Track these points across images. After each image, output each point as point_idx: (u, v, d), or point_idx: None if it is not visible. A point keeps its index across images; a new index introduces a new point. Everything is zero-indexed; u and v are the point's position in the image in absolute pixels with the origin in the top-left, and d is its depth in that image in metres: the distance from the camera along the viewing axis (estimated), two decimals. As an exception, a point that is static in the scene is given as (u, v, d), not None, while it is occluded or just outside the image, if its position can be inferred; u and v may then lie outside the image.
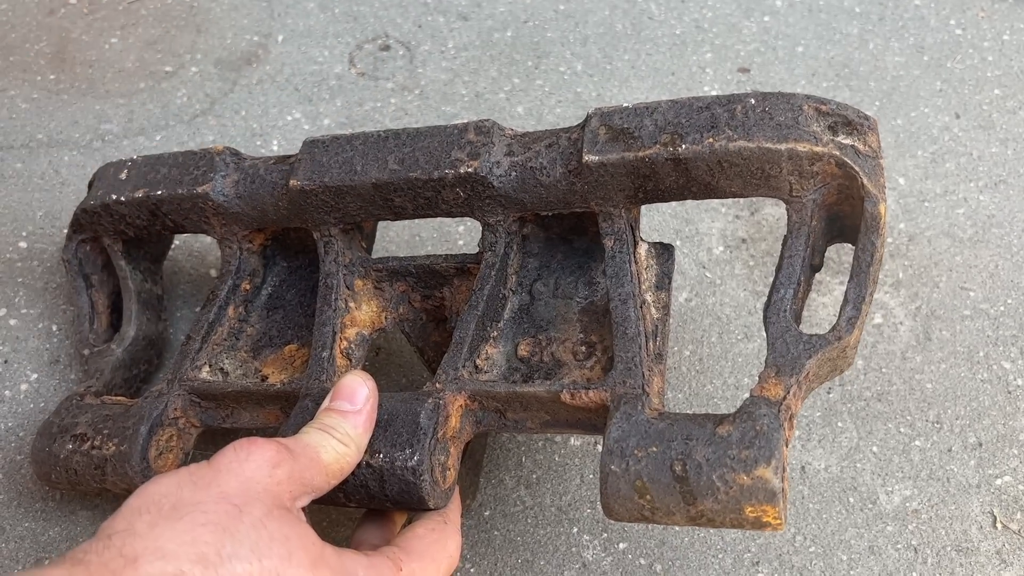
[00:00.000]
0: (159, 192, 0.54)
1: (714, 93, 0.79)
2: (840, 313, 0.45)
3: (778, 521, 0.40)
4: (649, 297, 0.49)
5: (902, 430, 0.61)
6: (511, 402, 0.47)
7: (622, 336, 0.47)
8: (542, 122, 0.77)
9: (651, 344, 0.48)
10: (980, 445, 0.60)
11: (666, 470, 0.41)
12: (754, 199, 0.73)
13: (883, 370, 0.64)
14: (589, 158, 0.47)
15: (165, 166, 0.55)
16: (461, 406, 0.47)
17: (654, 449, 0.42)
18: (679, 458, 0.41)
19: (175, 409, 0.51)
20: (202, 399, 0.51)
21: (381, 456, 0.44)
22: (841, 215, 0.48)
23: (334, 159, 0.51)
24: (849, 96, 0.81)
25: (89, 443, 0.50)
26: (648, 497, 0.41)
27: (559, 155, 0.49)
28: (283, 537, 0.37)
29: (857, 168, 0.44)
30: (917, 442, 0.61)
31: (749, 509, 0.40)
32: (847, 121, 0.46)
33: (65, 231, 0.68)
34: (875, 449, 0.60)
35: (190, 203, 0.53)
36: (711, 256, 0.70)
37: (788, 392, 0.43)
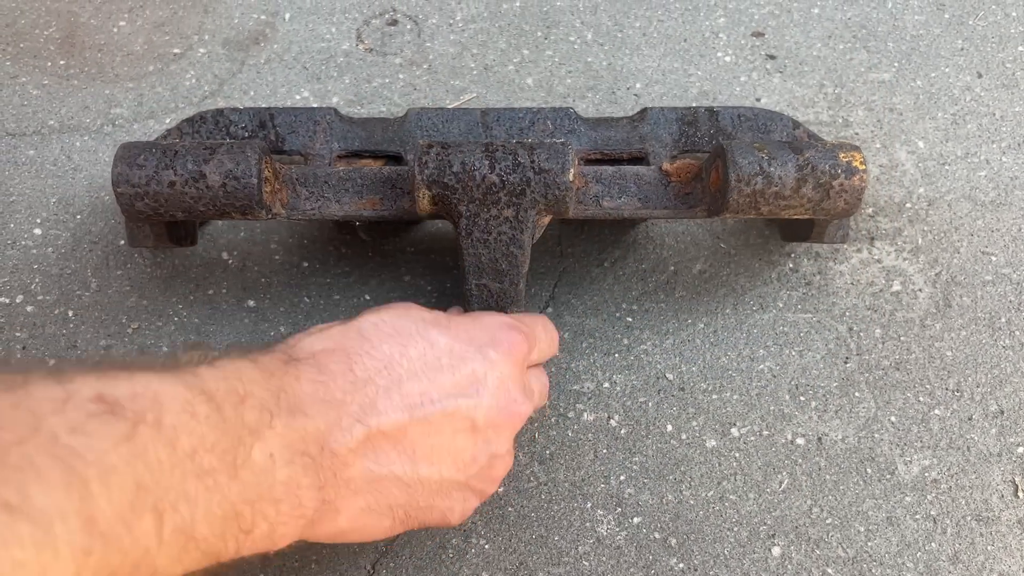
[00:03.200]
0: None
1: (728, 59, 0.78)
2: None
3: (864, 167, 0.53)
4: None
5: (921, 399, 0.60)
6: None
7: None
8: (552, 93, 0.76)
9: None
10: (1002, 413, 0.59)
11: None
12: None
13: (902, 338, 0.63)
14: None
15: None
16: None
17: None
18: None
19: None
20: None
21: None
22: None
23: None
24: (867, 58, 0.79)
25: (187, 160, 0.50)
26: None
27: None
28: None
29: None
30: (936, 411, 0.60)
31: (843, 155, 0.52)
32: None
33: (79, 217, 0.68)
34: (893, 419, 0.59)
35: (306, 114, 0.58)
36: (725, 225, 0.69)
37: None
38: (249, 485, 0.33)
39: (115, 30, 0.82)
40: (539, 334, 0.48)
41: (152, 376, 0.32)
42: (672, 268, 0.67)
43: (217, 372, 0.34)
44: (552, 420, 0.60)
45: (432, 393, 0.39)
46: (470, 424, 0.41)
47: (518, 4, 0.83)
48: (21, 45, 0.81)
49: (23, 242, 0.67)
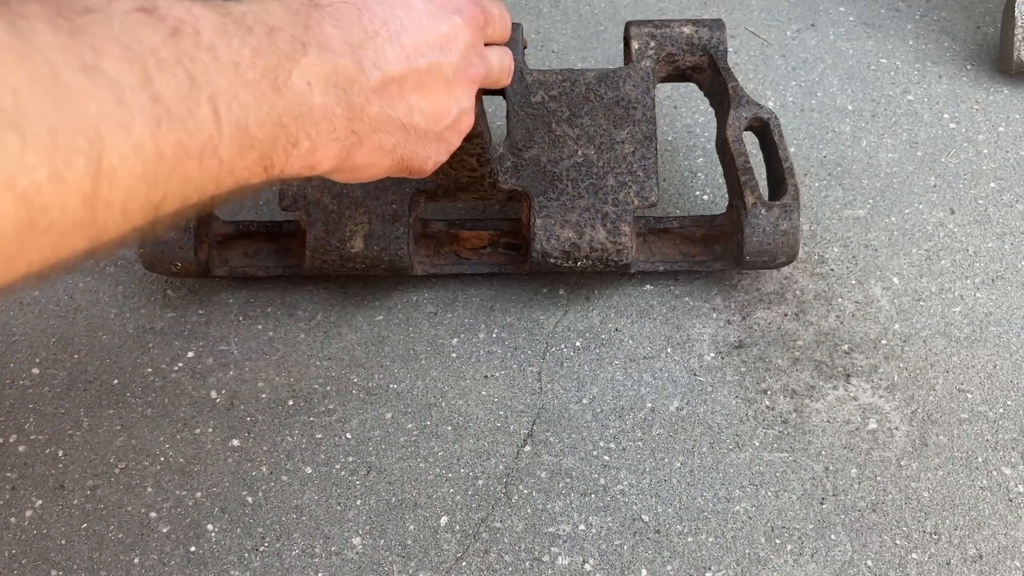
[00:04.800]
0: None
1: (705, 198, 0.81)
2: None
3: None
4: None
5: (898, 542, 0.60)
6: None
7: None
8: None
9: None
10: (980, 557, 0.59)
11: None
12: (745, 303, 0.73)
13: (878, 478, 0.63)
14: None
15: None
16: None
17: None
18: None
19: None
20: None
21: None
22: None
23: None
24: (842, 195, 0.82)
25: None
26: None
27: None
28: None
29: None
30: (914, 555, 0.59)
31: None
32: None
33: (76, 356, 0.71)
34: (870, 563, 0.59)
35: None
36: (702, 363, 0.70)
37: None
38: (291, 103, 0.37)
39: (124, 174, 0.87)
40: (495, 12, 0.52)
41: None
42: (649, 405, 0.68)
43: (245, 7, 0.38)
44: (526, 564, 0.60)
45: (421, 47, 0.45)
46: (445, 79, 0.46)
47: None
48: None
49: (21, 381, 0.70)
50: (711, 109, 0.77)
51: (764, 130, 0.72)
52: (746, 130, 0.71)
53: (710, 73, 0.76)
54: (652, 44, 0.73)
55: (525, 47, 0.72)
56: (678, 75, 0.76)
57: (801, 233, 0.69)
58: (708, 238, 0.73)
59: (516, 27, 0.69)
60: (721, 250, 0.72)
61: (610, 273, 0.72)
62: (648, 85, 0.73)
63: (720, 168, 0.77)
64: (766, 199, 0.68)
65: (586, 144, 0.71)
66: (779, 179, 0.70)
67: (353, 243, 0.67)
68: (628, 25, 0.74)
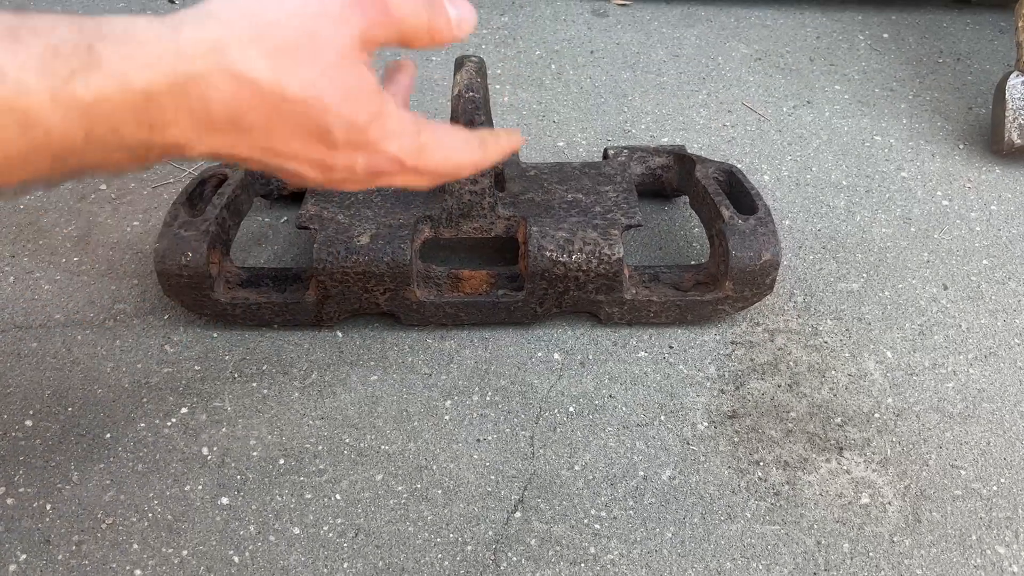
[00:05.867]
0: None
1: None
2: None
3: None
4: None
5: (891, 621, 0.59)
6: None
7: None
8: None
9: None
10: (974, 638, 0.58)
11: None
12: (739, 374, 0.74)
13: (870, 554, 0.62)
14: None
15: None
16: None
17: None
18: None
19: None
20: None
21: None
22: None
23: None
24: (836, 268, 0.83)
25: None
26: None
27: None
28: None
29: None
30: (907, 634, 0.58)
31: None
32: None
33: (70, 409, 0.71)
34: (862, 642, 0.58)
35: None
36: (695, 432, 0.70)
37: None
38: None
39: (128, 229, 0.88)
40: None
41: None
42: (642, 473, 0.67)
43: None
44: None
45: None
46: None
47: None
48: (40, 242, 0.87)
49: (13, 433, 0.70)
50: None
51: (730, 175, 0.80)
52: (713, 179, 0.79)
53: (677, 168, 0.85)
54: (625, 151, 0.86)
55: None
56: (650, 176, 0.86)
57: (779, 240, 0.73)
58: (698, 286, 0.76)
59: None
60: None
61: (603, 280, 0.73)
62: (625, 169, 0.83)
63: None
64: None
65: (575, 192, 0.79)
66: (751, 206, 0.75)
67: (360, 239, 0.72)
68: (606, 149, 0.87)
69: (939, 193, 0.91)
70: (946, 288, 0.81)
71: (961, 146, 0.98)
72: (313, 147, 0.42)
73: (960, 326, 0.77)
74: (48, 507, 0.65)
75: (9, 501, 0.65)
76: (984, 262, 0.83)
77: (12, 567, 0.62)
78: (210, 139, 0.39)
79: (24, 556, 0.62)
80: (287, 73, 0.39)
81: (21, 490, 0.66)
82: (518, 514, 0.65)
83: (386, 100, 0.43)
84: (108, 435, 0.70)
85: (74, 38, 0.35)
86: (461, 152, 0.48)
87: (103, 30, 0.36)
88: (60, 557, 0.62)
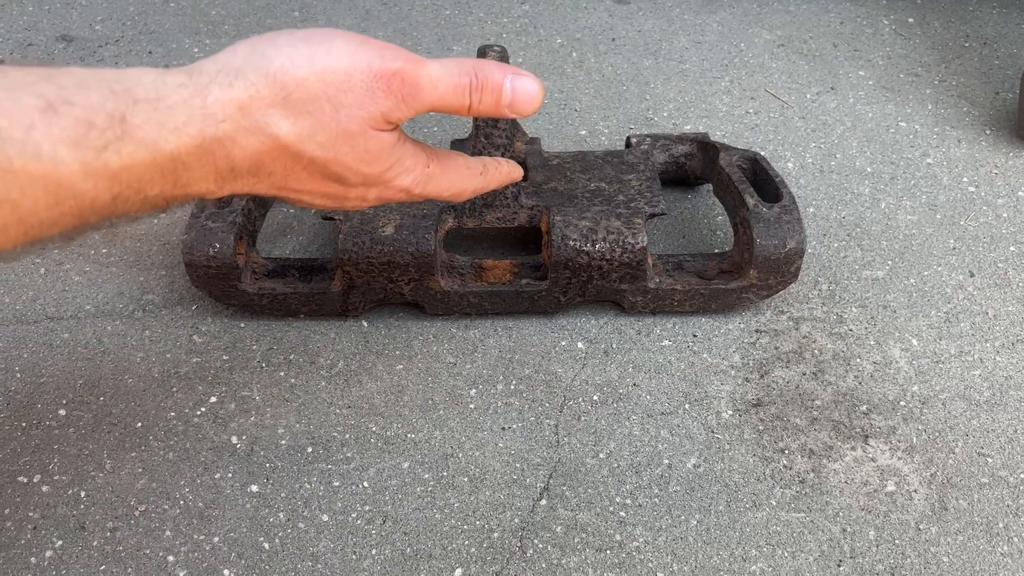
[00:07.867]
0: None
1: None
2: None
3: None
4: None
5: (917, 608, 0.59)
6: None
7: None
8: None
9: None
10: (1001, 626, 0.58)
11: None
12: (763, 362, 0.74)
13: (896, 542, 0.62)
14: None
15: None
16: None
17: None
18: None
19: None
20: None
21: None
22: None
23: None
24: (861, 256, 0.83)
25: None
26: None
27: None
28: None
29: None
30: (933, 622, 0.58)
31: None
32: None
33: (102, 399, 0.72)
34: (888, 629, 0.58)
35: None
36: (720, 420, 0.70)
37: None
38: None
39: (155, 221, 0.89)
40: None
41: None
42: (667, 462, 0.68)
43: None
44: None
45: None
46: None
47: None
48: (70, 234, 0.88)
49: (47, 422, 0.71)
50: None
51: (754, 163, 0.79)
52: (737, 167, 0.79)
53: (700, 156, 0.85)
54: (647, 139, 0.86)
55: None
56: (673, 164, 0.86)
57: (804, 228, 0.73)
58: (723, 274, 0.77)
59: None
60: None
61: (627, 269, 0.73)
62: (648, 157, 0.83)
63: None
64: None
65: (598, 181, 0.79)
66: (775, 193, 0.76)
67: (384, 230, 0.73)
68: (628, 137, 0.88)
69: (965, 179, 0.91)
70: (972, 275, 0.80)
71: (988, 132, 0.97)
72: (329, 186, 0.45)
73: (987, 313, 0.77)
74: (83, 494, 0.67)
75: (44, 488, 0.67)
76: (1011, 249, 0.83)
77: (48, 552, 0.63)
78: (231, 185, 0.42)
79: (60, 542, 0.64)
80: (307, 137, 0.41)
81: (56, 477, 0.67)
82: (544, 501, 0.65)
83: (401, 147, 0.46)
84: (139, 424, 0.71)
85: (107, 107, 0.36)
86: (464, 179, 0.52)
87: (135, 94, 0.37)
88: (95, 543, 0.64)
